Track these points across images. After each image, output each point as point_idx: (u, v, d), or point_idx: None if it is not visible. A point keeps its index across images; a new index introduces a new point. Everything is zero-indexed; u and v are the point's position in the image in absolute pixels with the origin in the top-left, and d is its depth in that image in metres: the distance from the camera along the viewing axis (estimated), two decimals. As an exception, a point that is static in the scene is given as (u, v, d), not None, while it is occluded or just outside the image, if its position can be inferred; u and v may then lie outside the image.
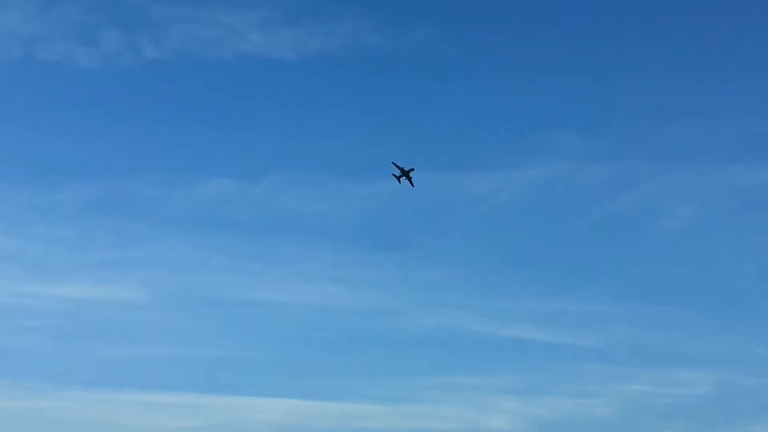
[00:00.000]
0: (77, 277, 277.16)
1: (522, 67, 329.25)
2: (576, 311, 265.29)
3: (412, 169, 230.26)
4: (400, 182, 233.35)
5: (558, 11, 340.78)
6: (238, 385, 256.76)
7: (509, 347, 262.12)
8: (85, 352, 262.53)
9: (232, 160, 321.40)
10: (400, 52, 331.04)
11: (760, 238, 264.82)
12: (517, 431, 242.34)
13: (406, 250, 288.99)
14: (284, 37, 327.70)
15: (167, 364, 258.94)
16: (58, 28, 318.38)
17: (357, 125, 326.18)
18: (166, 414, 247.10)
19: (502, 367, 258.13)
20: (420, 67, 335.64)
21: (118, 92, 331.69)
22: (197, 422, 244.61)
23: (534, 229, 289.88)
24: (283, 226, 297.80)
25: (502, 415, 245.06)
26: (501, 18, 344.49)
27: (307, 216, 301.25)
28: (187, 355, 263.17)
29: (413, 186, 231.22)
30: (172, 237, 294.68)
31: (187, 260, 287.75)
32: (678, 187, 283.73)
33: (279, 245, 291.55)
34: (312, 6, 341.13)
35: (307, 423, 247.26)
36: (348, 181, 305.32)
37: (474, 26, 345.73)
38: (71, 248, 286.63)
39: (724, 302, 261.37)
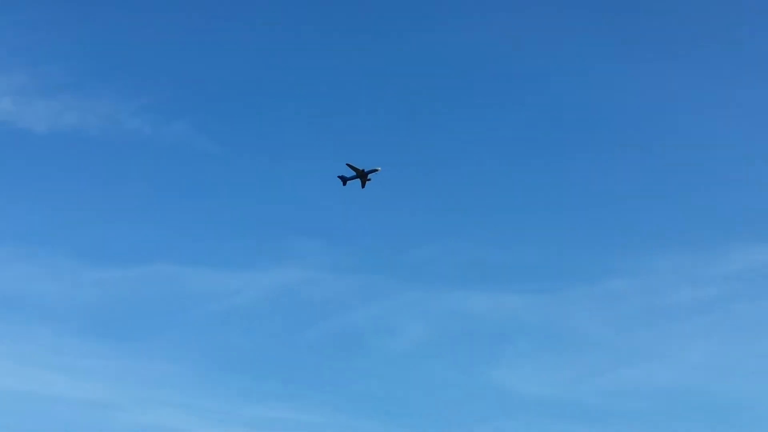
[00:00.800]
0: None
1: (277, 170, 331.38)
2: (298, 420, 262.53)
3: (376, 170, 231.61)
4: (345, 185, 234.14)
5: (315, 120, 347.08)
6: None
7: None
8: None
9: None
10: (158, 139, 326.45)
11: (481, 363, 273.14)
12: None
13: (133, 342, 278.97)
14: (37, 108, 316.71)
15: None
16: None
17: (101, 208, 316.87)
18: None
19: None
20: (176, 157, 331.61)
21: None
22: None
23: (266, 333, 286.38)
24: (2, 304, 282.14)
25: None
26: (259, 118, 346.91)
27: (31, 295, 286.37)
28: None
29: (363, 187, 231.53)
30: None
31: None
32: (410, 307, 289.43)
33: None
34: (71, 80, 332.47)
35: None
36: (82, 265, 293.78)
37: (235, 123, 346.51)
38: None
39: (444, 424, 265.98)
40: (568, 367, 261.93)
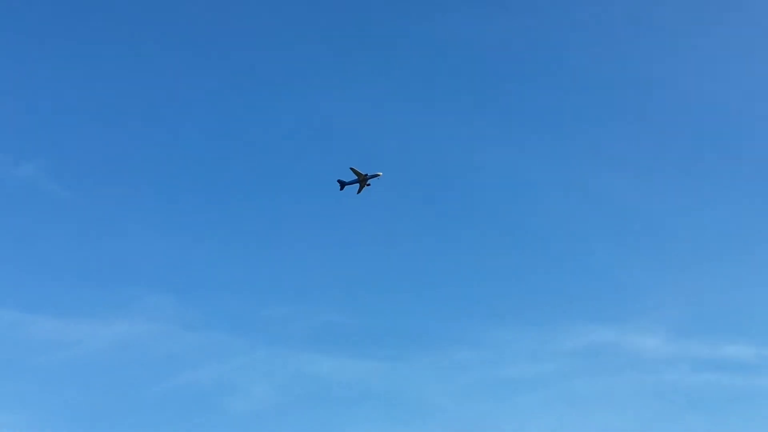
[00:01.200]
0: None
1: (127, 219, 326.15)
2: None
3: (377, 175, 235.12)
4: (342, 189, 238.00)
5: (165, 169, 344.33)
6: None
7: None
8: None
9: None
10: (5, 181, 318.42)
11: (325, 427, 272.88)
12: None
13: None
14: None
15: None
16: None
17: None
18: None
19: None
20: (25, 201, 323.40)
21: None
22: None
23: (106, 387, 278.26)
24: None
25: None
26: (111, 164, 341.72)
27: None
28: None
29: (359, 192, 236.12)
30: None
31: None
32: (257, 367, 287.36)
33: None
34: None
35: None
36: None
37: (85, 168, 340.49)
38: None
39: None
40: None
